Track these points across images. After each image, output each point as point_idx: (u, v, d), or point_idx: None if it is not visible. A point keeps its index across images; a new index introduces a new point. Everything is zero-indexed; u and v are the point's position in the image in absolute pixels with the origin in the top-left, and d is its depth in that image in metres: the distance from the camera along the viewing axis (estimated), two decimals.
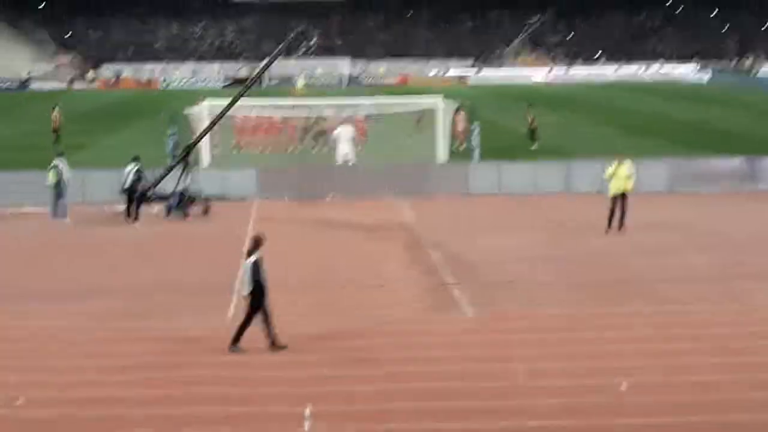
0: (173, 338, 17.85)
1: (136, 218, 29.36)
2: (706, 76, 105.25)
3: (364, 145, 40.08)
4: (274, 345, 16.90)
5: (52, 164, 29.88)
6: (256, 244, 17.17)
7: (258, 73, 37.24)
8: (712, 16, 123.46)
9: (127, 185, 29.45)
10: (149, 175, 30.61)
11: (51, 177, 29.69)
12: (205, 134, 34.57)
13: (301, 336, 17.52)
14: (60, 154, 30.31)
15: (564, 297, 20.52)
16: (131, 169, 29.56)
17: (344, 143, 37.12)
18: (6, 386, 15.29)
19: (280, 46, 34.42)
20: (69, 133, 53.08)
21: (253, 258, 16.93)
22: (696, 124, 56.74)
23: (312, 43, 34.53)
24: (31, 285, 22.13)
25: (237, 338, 16.95)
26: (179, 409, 14.34)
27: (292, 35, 35.36)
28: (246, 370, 16.06)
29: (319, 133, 43.05)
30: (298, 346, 17.00)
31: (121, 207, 30.23)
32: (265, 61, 35.73)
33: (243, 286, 17.03)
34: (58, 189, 29.68)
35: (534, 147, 44.19)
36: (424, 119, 41.12)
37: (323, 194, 33.30)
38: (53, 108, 49.76)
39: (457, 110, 42.75)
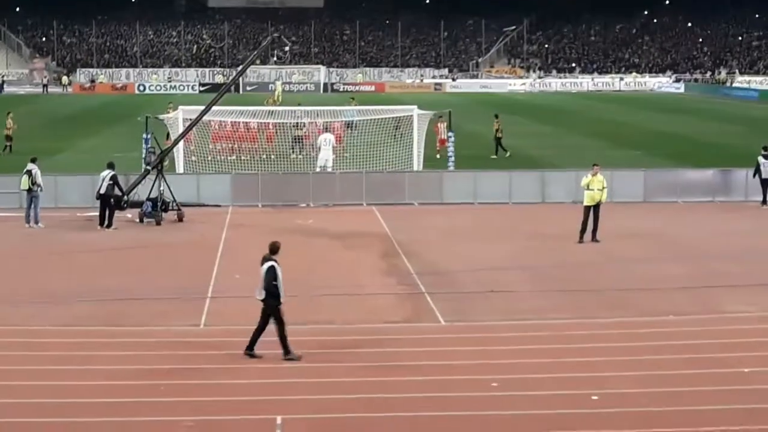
0: (144, 343, 17.76)
1: (109, 224, 29.19)
2: (681, 88, 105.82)
3: (341, 153, 40.07)
4: (288, 354, 16.79)
5: (25, 169, 29.67)
6: (273, 250, 17.07)
7: (233, 79, 37.19)
8: (687, 27, 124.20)
9: (102, 191, 29.28)
10: (124, 181, 30.47)
11: (24, 182, 29.48)
12: (179, 140, 34.46)
13: (273, 342, 17.43)
14: (33, 160, 30.10)
15: (538, 306, 20.54)
16: (106, 174, 29.39)
17: (325, 150, 37.15)
18: None
19: (254, 53, 34.42)
20: (45, 137, 52.94)
21: (268, 264, 16.85)
22: (671, 134, 56.98)
23: (286, 49, 34.48)
24: (2, 290, 21.96)
25: (252, 344, 16.86)
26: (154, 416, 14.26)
27: (266, 41, 35.27)
28: (222, 376, 16.00)
29: (296, 139, 43.01)
30: (270, 353, 16.92)
31: (94, 213, 30.07)
32: (240, 68, 35.68)
33: (258, 291, 16.92)
34: (32, 194, 29.47)
35: (495, 156, 44.29)
36: (402, 127, 41.10)
37: (298, 201, 33.24)
38: (7, 114, 47.99)
39: (440, 118, 42.80)
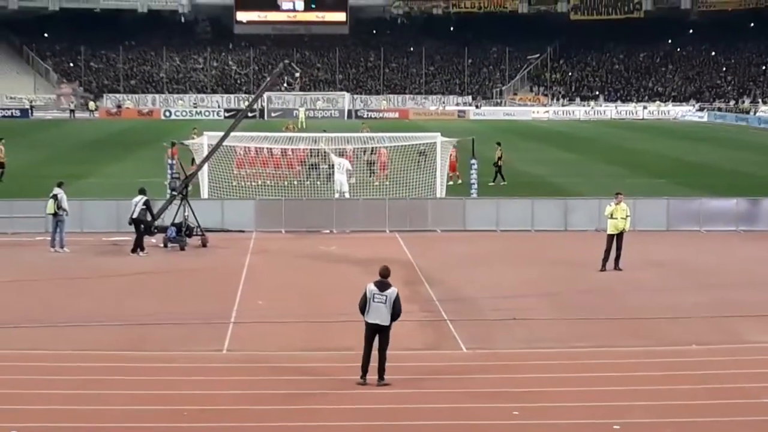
0: (166, 368, 17.85)
1: (141, 248, 29.35)
2: (704, 116, 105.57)
3: (383, 180, 40.51)
4: (382, 378, 16.90)
5: (51, 193, 29.93)
6: (387, 274, 17.26)
7: (248, 106, 37.71)
8: (711, 56, 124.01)
9: (135, 215, 29.48)
10: (154, 206, 30.67)
11: (50, 206, 29.73)
12: (201, 166, 34.67)
13: (290, 368, 17.51)
14: (60, 184, 30.36)
15: (561, 334, 20.52)
16: (138, 200, 29.60)
17: (338, 174, 37.37)
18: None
19: (267, 80, 34.91)
20: (71, 162, 53.33)
21: (394, 290, 17.04)
22: (695, 163, 56.88)
23: (296, 75, 34.82)
24: (27, 314, 22.11)
25: (365, 371, 16.95)
26: None
27: (277, 68, 35.69)
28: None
29: (312, 166, 43.25)
30: (280, 371, 16.98)
31: (119, 238, 30.35)
32: (254, 96, 36.05)
33: (378, 316, 16.95)
34: (57, 218, 29.70)
35: (492, 183, 44.15)
36: (427, 154, 41.14)
37: (321, 227, 33.36)
38: None
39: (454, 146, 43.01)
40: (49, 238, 29.92)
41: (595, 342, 19.99)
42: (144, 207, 29.51)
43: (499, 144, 46.60)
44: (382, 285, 17.03)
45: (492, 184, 44.26)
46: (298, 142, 44.22)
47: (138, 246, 29.35)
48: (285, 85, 37.64)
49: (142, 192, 30.08)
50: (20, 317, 21.70)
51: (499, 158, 45.49)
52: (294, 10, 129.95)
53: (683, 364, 18.43)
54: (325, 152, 41.35)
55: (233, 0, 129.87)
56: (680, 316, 22.18)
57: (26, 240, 31.23)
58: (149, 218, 29.76)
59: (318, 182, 41.79)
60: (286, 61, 35.51)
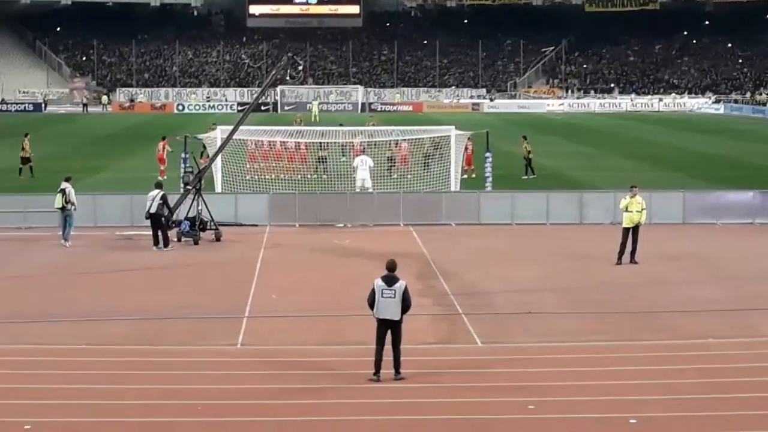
0: (180, 363, 17.81)
1: (165, 244, 29.32)
2: (721, 109, 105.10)
3: (405, 173, 40.79)
4: (398, 373, 16.85)
5: (59, 188, 29.90)
6: (394, 268, 17.12)
7: (255, 100, 37.68)
8: (727, 48, 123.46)
9: (152, 210, 29.42)
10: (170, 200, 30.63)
11: (58, 200, 29.69)
12: (213, 160, 34.60)
13: (305, 362, 17.44)
14: (68, 179, 30.34)
15: (576, 328, 20.41)
16: (155, 194, 29.55)
17: (362, 170, 37.16)
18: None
19: (272, 73, 35.13)
20: (84, 156, 53.40)
21: (403, 283, 16.92)
22: (710, 156, 56.62)
23: (300, 68, 34.95)
24: (41, 309, 22.09)
25: (379, 368, 16.85)
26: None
27: (282, 62, 35.79)
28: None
29: (320, 159, 43.19)
30: (294, 365, 16.92)
31: (133, 232, 30.36)
32: (260, 89, 36.12)
33: (388, 311, 16.85)
34: (65, 212, 29.67)
35: (527, 177, 44.06)
36: (441, 147, 40.94)
37: (335, 221, 33.29)
38: (24, 136, 46.41)
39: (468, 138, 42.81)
40: (61, 233, 29.91)
41: (611, 336, 19.87)
42: (161, 201, 29.49)
43: (525, 138, 46.32)
44: (390, 279, 16.93)
45: (525, 177, 43.98)
46: (312, 135, 44.14)
47: (162, 240, 29.31)
48: (288, 77, 37.61)
49: (158, 186, 30.09)
50: (35, 312, 21.67)
51: (529, 152, 45.22)
52: (307, 3, 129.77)
53: (699, 357, 18.30)
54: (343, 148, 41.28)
55: None
56: (696, 309, 22.03)
57: (40, 235, 31.22)
58: (166, 213, 29.75)
59: (325, 175, 41.67)
60: (290, 54, 35.63)
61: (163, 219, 29.47)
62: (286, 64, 34.90)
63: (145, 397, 15.94)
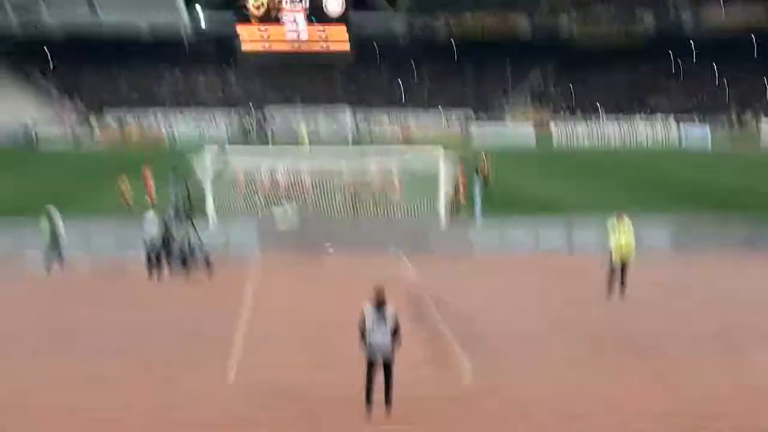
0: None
1: (159, 272, 29.25)
2: (709, 132, 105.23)
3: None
4: (389, 404, 16.81)
5: (45, 215, 29.86)
6: (382, 293, 17.06)
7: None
8: (714, 72, 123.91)
9: (150, 234, 29.37)
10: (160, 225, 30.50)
11: (42, 226, 29.65)
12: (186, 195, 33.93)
13: (296, 392, 17.36)
14: (52, 206, 30.33)
15: (570, 358, 20.34)
16: (151, 218, 29.66)
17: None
18: None
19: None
20: (74, 184, 53.13)
21: (392, 308, 16.91)
22: (700, 182, 56.63)
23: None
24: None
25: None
26: None
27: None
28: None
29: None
30: (287, 399, 16.84)
31: (123, 258, 30.37)
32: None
33: (379, 337, 16.78)
34: (52, 238, 29.60)
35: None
36: (432, 173, 40.45)
37: (325, 248, 33.22)
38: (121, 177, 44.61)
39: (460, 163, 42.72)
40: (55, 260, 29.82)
41: (603, 369, 19.81)
42: (158, 224, 29.54)
43: (486, 153, 45.97)
44: (379, 305, 16.90)
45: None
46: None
47: (155, 268, 29.26)
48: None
49: (153, 210, 30.15)
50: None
51: (483, 167, 44.98)
52: (297, 36, 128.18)
53: (693, 385, 18.27)
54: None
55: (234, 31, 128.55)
56: (689, 339, 22.00)
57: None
58: (162, 236, 29.72)
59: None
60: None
61: (163, 241, 29.49)
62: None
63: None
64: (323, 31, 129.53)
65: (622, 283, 26.63)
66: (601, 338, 22.09)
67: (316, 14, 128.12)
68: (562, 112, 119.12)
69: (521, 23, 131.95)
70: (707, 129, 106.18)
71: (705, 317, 24.16)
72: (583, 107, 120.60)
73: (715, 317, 24.20)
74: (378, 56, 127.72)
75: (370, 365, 16.71)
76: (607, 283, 26.64)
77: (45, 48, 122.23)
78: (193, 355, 20.49)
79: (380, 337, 16.72)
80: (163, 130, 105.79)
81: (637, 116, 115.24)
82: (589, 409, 17.11)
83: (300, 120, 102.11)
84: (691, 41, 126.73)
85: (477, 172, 38.47)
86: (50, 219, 29.65)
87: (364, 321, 16.83)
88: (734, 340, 21.95)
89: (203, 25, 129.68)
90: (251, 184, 42.30)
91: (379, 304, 16.89)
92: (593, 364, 20.00)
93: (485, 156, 45.55)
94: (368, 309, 16.88)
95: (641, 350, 21.07)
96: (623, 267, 26.61)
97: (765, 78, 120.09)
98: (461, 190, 43.56)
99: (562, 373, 19.23)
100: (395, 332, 16.83)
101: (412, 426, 16.13)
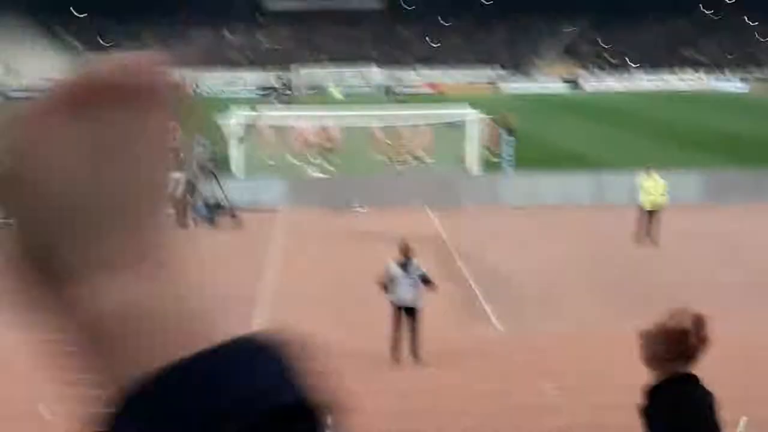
0: None
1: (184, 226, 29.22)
2: (745, 85, 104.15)
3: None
4: (417, 357, 16.74)
5: None
6: (408, 250, 16.92)
7: None
8: (751, 25, 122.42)
9: (176, 192, 29.34)
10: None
11: None
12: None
13: (322, 348, 17.17)
14: None
15: (598, 311, 20.13)
16: (178, 176, 29.60)
17: None
18: None
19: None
20: None
21: (417, 262, 16.89)
22: (735, 134, 55.95)
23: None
24: None
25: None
26: None
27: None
28: None
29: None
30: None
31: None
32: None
33: (405, 295, 16.68)
34: None
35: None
36: (461, 128, 40.08)
37: (354, 204, 33.03)
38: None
39: (494, 119, 42.14)
40: None
41: (630, 319, 19.51)
42: (183, 181, 29.50)
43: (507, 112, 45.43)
44: (405, 261, 16.69)
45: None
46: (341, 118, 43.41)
47: (180, 225, 29.17)
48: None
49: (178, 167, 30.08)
50: None
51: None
52: None
53: (717, 341, 17.93)
54: None
55: None
56: (718, 292, 21.68)
57: None
58: (187, 193, 29.68)
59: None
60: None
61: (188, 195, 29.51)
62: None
63: None
64: None
65: (655, 228, 26.33)
66: (630, 290, 21.82)
67: None
68: (593, 67, 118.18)
69: None
70: (742, 82, 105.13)
71: (736, 269, 23.79)
72: (615, 62, 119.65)
73: (746, 269, 23.83)
74: (407, 13, 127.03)
75: (397, 314, 16.58)
76: (637, 235, 26.35)
77: (68, 3, 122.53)
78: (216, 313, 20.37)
79: (406, 289, 16.53)
80: (191, 87, 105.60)
81: (670, 70, 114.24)
82: (616, 364, 16.85)
83: (329, 78, 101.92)
84: None
85: (505, 126, 38.04)
86: None
87: (387, 277, 16.66)
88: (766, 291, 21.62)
89: None
90: (280, 140, 42.15)
91: (405, 261, 16.70)
92: (623, 316, 19.72)
93: (512, 113, 44.95)
94: (393, 266, 16.68)
95: (672, 302, 20.74)
96: (653, 219, 26.30)
97: None
98: (492, 144, 43.24)
99: (591, 327, 18.99)
100: (425, 281, 16.64)
101: (441, 370, 15.98)
